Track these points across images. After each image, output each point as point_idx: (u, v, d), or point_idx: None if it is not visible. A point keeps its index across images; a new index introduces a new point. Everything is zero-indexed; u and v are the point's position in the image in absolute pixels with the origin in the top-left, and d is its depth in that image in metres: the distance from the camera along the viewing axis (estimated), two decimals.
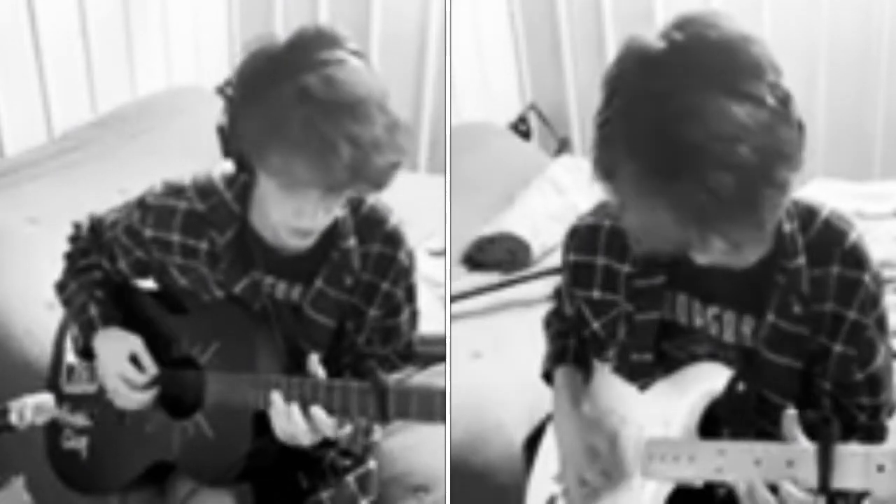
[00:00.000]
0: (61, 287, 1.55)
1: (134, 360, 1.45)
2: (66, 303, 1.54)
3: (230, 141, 1.28)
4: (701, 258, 1.11)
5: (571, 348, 1.42)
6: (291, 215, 1.26)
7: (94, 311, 1.48)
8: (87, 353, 1.51)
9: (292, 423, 1.26)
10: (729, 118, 0.95)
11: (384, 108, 1.21)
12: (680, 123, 0.96)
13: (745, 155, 0.95)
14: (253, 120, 1.19)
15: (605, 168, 1.03)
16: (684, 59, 0.99)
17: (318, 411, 1.25)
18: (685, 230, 0.99)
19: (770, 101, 0.98)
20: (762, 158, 0.96)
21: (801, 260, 1.18)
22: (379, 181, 1.25)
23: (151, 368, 1.45)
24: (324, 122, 1.15)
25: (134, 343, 1.45)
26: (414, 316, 1.50)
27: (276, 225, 1.30)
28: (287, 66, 1.18)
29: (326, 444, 1.33)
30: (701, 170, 0.95)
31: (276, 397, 1.27)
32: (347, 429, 1.29)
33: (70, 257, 1.55)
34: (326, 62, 1.18)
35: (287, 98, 1.16)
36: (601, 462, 1.30)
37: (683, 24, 1.02)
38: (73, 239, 1.56)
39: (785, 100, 1.00)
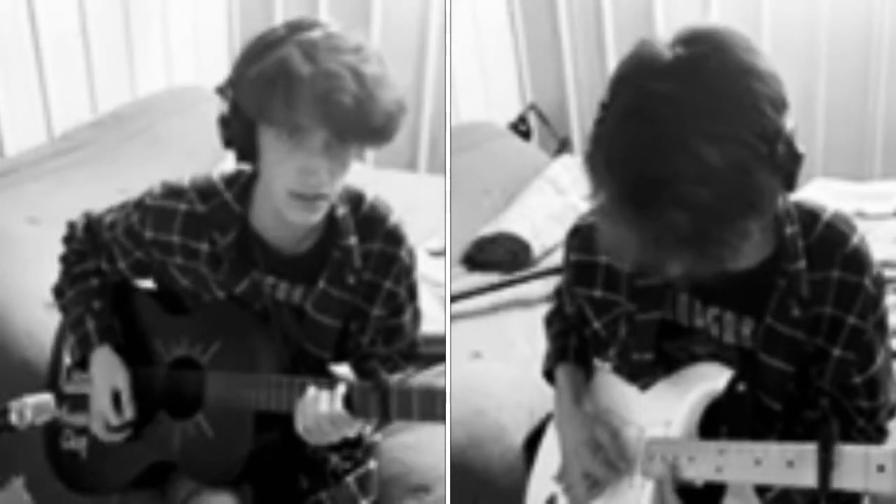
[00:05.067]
0: (59, 292, 1.55)
1: (116, 397, 1.45)
2: (64, 309, 1.54)
3: (230, 122, 1.28)
4: (671, 272, 1.10)
5: (573, 346, 1.42)
6: (297, 176, 1.23)
7: (91, 325, 1.47)
8: (84, 363, 1.51)
9: (320, 412, 1.25)
10: (698, 159, 0.94)
11: (381, 61, 1.24)
12: (651, 155, 0.96)
13: (706, 198, 0.94)
14: (256, 74, 1.21)
15: (591, 166, 1.04)
16: (681, 82, 0.98)
17: (338, 406, 1.25)
18: (645, 252, 1.00)
19: (754, 142, 0.96)
20: (723, 204, 0.95)
21: (802, 263, 1.18)
22: (383, 126, 1.23)
23: (129, 412, 1.44)
24: (327, 57, 1.19)
25: (120, 381, 1.45)
26: (416, 315, 1.51)
27: (280, 200, 1.27)
28: (288, 32, 1.22)
29: (331, 447, 1.34)
30: (661, 204, 0.95)
31: (311, 387, 1.28)
32: (367, 428, 1.29)
33: (66, 260, 1.54)
34: (322, 29, 1.23)
35: (289, 48, 1.20)
36: (604, 453, 1.29)
37: (693, 39, 1.01)
38: (68, 239, 1.55)
39: (773, 139, 0.98)
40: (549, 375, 1.46)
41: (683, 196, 0.94)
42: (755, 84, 0.98)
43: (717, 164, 0.94)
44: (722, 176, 0.95)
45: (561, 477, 1.38)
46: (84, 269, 1.52)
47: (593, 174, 1.03)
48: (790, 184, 1.03)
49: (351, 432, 1.29)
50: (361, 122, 1.20)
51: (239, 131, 1.27)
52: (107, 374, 1.45)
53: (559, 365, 1.43)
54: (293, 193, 1.25)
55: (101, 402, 1.44)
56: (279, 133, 1.22)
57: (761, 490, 1.22)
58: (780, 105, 1.00)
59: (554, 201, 2.94)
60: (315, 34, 1.21)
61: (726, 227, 0.97)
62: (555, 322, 1.48)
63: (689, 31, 1.02)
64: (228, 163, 1.38)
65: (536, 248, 2.71)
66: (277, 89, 1.18)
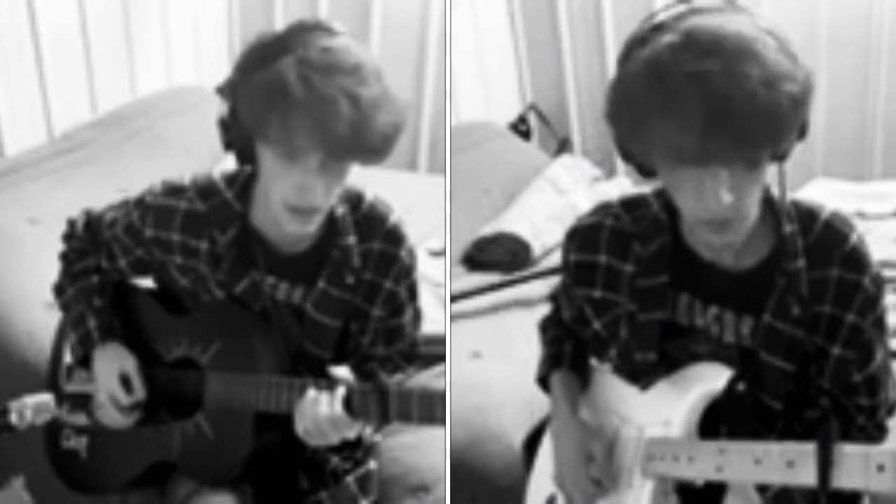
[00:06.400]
0: (59, 290, 1.55)
1: (125, 379, 1.45)
2: (65, 308, 1.54)
3: (230, 126, 1.28)
4: (713, 205, 1.06)
5: (567, 353, 1.41)
6: (293, 191, 1.24)
7: (92, 323, 1.48)
8: (85, 362, 1.51)
9: (320, 414, 1.26)
10: (754, 24, 1.03)
11: (381, 78, 1.23)
12: (705, 18, 1.03)
13: (770, 52, 1.01)
14: (253, 89, 1.21)
15: (617, 112, 1.07)
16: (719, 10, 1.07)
17: (338, 408, 1.25)
18: (708, 130, 0.99)
19: (786, 47, 1.05)
20: (783, 59, 1.02)
21: (802, 262, 1.18)
22: (379, 146, 1.23)
23: (139, 392, 1.46)
24: (322, 81, 1.18)
25: (127, 363, 1.46)
26: (417, 315, 1.51)
27: (277, 210, 1.28)
28: (287, 42, 1.21)
29: (331, 448, 1.33)
30: (731, 57, 0.99)
31: (311, 389, 1.28)
32: (366, 429, 1.29)
33: (66, 258, 1.55)
34: (324, 37, 1.22)
35: (286, 66, 1.19)
36: (594, 470, 1.29)
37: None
38: (68, 237, 1.55)
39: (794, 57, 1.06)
40: (543, 382, 1.44)
41: (751, 48, 1.00)
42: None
43: (768, 37, 1.03)
44: (773, 44, 1.03)
45: (558, 480, 1.36)
46: (84, 267, 1.52)
47: (626, 90, 1.06)
48: (802, 130, 1.09)
49: (351, 434, 1.29)
50: (357, 144, 1.20)
51: (238, 137, 1.28)
52: (114, 359, 1.46)
53: (554, 372, 1.41)
54: (289, 206, 1.26)
55: (109, 385, 1.45)
56: (275, 150, 1.22)
57: (761, 488, 1.22)
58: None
59: (554, 201, 2.94)
60: (312, 51, 1.20)
61: (790, 78, 1.01)
62: (549, 328, 1.46)
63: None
64: (228, 162, 1.38)
65: (536, 248, 2.71)
66: (273, 109, 1.18)
